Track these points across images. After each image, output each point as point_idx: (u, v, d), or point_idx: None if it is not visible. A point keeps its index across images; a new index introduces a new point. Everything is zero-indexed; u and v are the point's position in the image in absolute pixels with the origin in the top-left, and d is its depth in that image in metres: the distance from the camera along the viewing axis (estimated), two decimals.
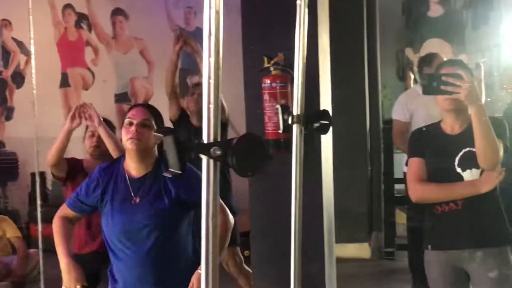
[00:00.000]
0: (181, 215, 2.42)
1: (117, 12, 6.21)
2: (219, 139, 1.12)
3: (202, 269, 1.15)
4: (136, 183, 2.20)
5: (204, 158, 1.11)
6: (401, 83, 6.51)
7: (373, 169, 5.90)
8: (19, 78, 6.26)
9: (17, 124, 6.23)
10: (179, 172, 1.16)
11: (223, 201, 2.51)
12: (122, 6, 6.24)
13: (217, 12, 1.06)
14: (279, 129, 2.20)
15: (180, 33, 5.22)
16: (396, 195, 5.74)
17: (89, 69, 6.40)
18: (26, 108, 5.56)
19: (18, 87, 6.28)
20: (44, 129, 6.05)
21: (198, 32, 5.65)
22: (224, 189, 2.80)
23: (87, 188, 2.40)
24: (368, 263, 5.60)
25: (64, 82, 6.34)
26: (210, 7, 1.06)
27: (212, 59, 1.08)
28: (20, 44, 6.19)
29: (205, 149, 1.10)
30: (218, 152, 1.10)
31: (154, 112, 2.33)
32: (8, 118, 6.35)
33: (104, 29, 6.35)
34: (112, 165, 2.38)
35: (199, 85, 4.02)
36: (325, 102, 3.32)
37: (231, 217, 2.52)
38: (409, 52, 6.59)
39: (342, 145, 4.75)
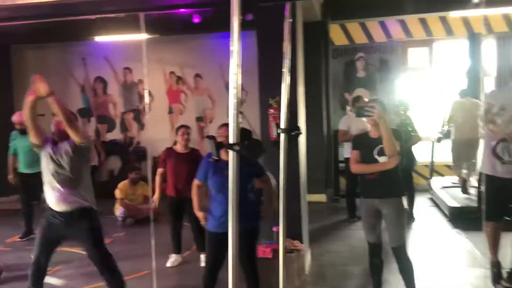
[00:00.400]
0: (249, 180, 3.51)
1: (197, 75, 9.28)
2: (239, 141, 1.65)
3: (229, 236, 1.62)
4: (226, 163, 2.45)
5: (230, 151, 1.65)
6: (342, 111, 8.85)
7: (328, 155, 8.32)
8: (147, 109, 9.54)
9: (145, 132, 9.53)
10: (216, 158, 1.77)
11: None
12: (199, 72, 9.21)
13: (237, 52, 1.69)
14: (274, 135, 3.43)
15: None
16: (340, 169, 8.07)
17: (182, 104, 9.44)
18: (152, 124, 9.34)
19: (147, 114, 9.51)
20: (158, 134, 9.09)
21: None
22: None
23: (201, 167, 3.62)
24: (325, 205, 7.97)
25: (170, 111, 9.47)
26: (233, 46, 1.64)
27: (235, 76, 1.65)
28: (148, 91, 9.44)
29: (231, 146, 1.63)
30: (237, 148, 1.59)
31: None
32: (142, 128, 9.57)
33: (190, 84, 9.35)
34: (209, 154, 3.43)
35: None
36: (302, 120, 4.87)
37: (274, 182, 3.56)
38: (346, 95, 9.10)
39: (311, 142, 6.16)
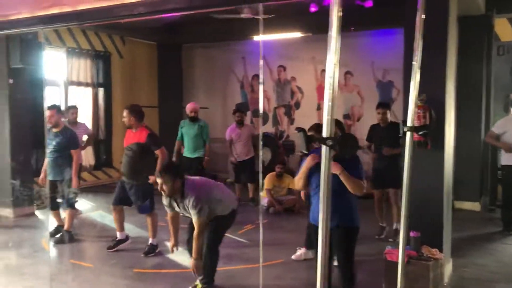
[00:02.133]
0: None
1: (347, 72, 9.47)
2: (332, 135, 1.57)
3: (319, 232, 1.59)
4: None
5: (323, 146, 1.60)
6: (505, 114, 7.79)
7: (485, 160, 7.77)
8: (297, 105, 10.14)
9: (295, 127, 9.16)
10: (306, 152, 1.85)
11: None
12: (350, 69, 9.37)
13: (335, 38, 1.61)
14: (400, 133, 3.19)
15: None
16: (498, 177, 7.51)
17: None
18: (300, 119, 9.88)
19: (297, 108, 10.13)
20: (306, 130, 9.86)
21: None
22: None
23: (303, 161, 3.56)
24: (478, 214, 7.63)
25: (318, 108, 9.78)
26: (331, 30, 1.60)
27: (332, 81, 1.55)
28: (299, 88, 10.08)
29: (324, 141, 1.55)
30: (331, 143, 1.52)
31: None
32: (292, 123, 10.23)
33: (340, 81, 9.20)
34: (317, 149, 3.11)
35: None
36: (449, 120, 4.64)
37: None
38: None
39: (466, 145, 6.95)
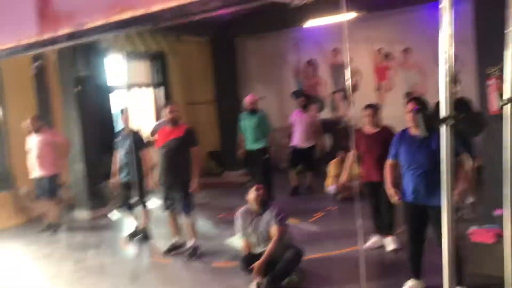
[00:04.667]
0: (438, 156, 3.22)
1: (406, 49, 9.15)
2: (453, 115, 1.51)
3: (443, 218, 1.60)
4: (416, 138, 3.48)
5: (443, 127, 1.53)
6: None
7: None
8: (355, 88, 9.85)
9: (354, 111, 9.60)
10: (426, 135, 2.06)
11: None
12: (408, 46, 9.05)
13: (448, 7, 1.52)
14: (497, 107, 3.46)
15: None
16: None
17: (389, 80, 9.49)
18: (358, 102, 9.56)
19: (354, 92, 9.72)
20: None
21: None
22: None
23: (392, 146, 3.92)
24: None
25: (379, 88, 9.59)
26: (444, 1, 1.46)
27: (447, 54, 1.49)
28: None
29: (444, 121, 1.51)
30: (452, 122, 1.48)
31: (421, 102, 3.58)
32: (351, 107, 9.98)
33: (398, 59, 9.29)
34: (403, 131, 3.72)
35: None
36: None
37: (469, 164, 4.09)
38: None
39: None
